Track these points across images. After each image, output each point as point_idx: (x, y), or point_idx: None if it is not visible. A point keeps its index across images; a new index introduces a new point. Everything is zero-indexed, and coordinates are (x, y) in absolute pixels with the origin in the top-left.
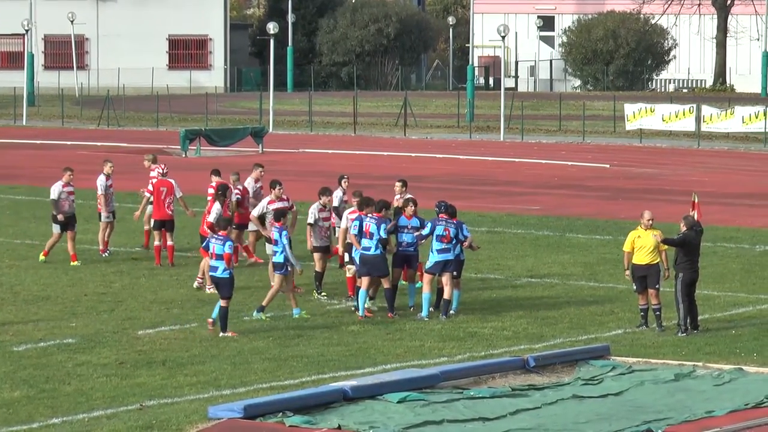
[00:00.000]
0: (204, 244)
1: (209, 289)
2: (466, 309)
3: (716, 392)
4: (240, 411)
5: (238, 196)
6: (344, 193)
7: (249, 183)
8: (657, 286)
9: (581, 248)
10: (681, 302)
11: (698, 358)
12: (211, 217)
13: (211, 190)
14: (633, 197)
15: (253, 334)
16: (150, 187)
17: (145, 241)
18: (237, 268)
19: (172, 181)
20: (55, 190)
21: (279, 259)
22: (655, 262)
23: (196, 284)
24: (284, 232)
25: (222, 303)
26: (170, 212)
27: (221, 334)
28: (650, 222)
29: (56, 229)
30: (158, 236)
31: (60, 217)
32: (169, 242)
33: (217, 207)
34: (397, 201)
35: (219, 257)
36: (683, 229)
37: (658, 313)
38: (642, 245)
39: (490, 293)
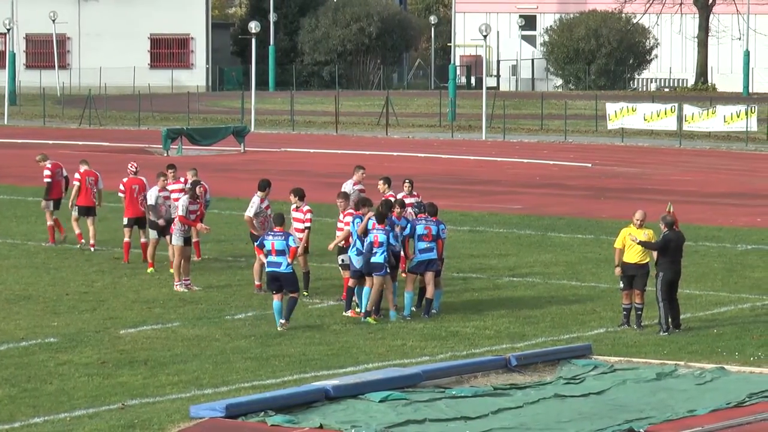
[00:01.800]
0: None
1: (179, 286)
2: (448, 308)
3: (698, 391)
4: (222, 410)
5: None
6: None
7: (347, 186)
8: (644, 288)
9: (563, 247)
10: (660, 301)
11: (680, 357)
12: (180, 211)
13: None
14: (615, 196)
15: (234, 334)
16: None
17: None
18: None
19: (143, 179)
20: (152, 196)
21: (378, 259)
22: (645, 261)
23: (183, 288)
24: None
25: (292, 295)
26: (143, 209)
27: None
28: (640, 222)
29: (153, 234)
30: (128, 233)
31: (161, 222)
32: (143, 239)
33: (183, 200)
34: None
35: (280, 253)
36: (663, 229)
37: (639, 312)
38: (633, 244)
39: (472, 292)
